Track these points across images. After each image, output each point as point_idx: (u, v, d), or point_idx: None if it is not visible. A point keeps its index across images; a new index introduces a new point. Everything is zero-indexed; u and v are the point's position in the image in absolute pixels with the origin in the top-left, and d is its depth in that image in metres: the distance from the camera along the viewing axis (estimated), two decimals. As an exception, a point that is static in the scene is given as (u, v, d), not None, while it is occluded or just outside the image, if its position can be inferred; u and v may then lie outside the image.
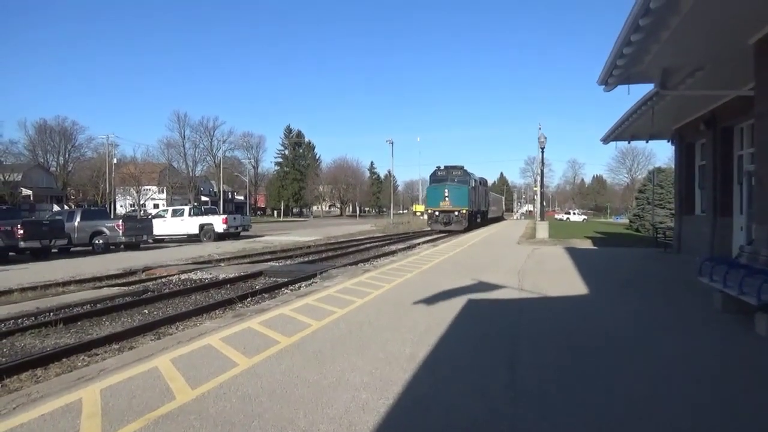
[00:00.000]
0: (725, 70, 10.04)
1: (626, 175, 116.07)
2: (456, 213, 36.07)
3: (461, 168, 38.61)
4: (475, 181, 41.41)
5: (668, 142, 19.40)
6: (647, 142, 20.92)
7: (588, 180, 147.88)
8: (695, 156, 17.01)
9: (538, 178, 35.98)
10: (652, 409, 3.93)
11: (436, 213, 36.74)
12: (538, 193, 39.08)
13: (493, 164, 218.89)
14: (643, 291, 9.98)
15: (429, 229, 38.02)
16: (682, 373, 4.82)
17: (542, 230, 27.59)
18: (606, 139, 18.92)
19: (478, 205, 42.73)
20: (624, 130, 16.45)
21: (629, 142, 21.25)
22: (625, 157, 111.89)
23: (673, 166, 21.77)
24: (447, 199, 36.21)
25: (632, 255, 17.76)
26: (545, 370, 4.85)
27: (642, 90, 11.70)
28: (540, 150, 31.93)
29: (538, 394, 4.22)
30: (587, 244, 23.62)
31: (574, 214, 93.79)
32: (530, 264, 14.27)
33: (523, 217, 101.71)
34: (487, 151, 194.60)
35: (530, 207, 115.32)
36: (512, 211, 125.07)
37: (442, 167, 38.54)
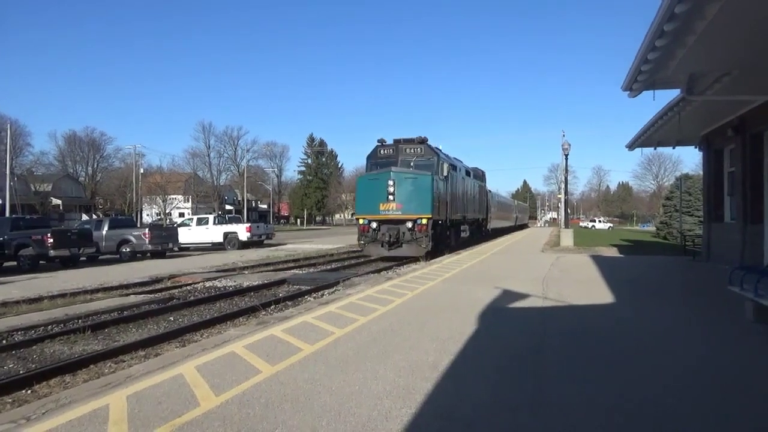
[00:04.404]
0: (753, 75, 9.85)
1: (652, 182, 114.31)
2: (408, 225, 19.43)
3: (422, 143, 21.10)
4: (452, 167, 23.12)
5: (696, 148, 19.04)
6: (674, 148, 20.61)
7: (613, 187, 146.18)
8: (724, 162, 16.67)
9: (562, 186, 35.38)
10: (683, 422, 3.84)
11: (373, 225, 19.85)
12: (562, 200, 38.70)
13: (517, 172, 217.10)
14: (671, 300, 9.78)
15: (360, 252, 21.87)
16: (712, 385, 4.70)
17: (566, 238, 27.27)
18: (631, 146, 18.68)
19: (459, 210, 24.65)
20: (650, 137, 16.22)
21: (655, 149, 20.92)
22: (651, 164, 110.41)
23: (701, 173, 21.37)
24: (392, 198, 19.57)
25: (660, 263, 17.43)
26: (571, 382, 4.77)
27: (668, 96, 11.55)
28: (564, 157, 31.60)
29: (564, 407, 4.15)
30: (613, 252, 23.26)
31: (599, 221, 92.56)
32: (554, 272, 14.10)
33: (546, 225, 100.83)
34: (511, 159, 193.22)
35: (554, 215, 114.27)
36: (536, 219, 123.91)
37: (388, 142, 21.47)
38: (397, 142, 21.20)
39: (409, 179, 19.75)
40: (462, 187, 25.51)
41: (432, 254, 19.76)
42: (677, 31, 7.12)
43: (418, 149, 20.96)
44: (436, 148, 21.87)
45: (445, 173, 21.45)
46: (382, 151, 21.26)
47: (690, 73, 9.73)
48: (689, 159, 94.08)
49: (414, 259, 19.26)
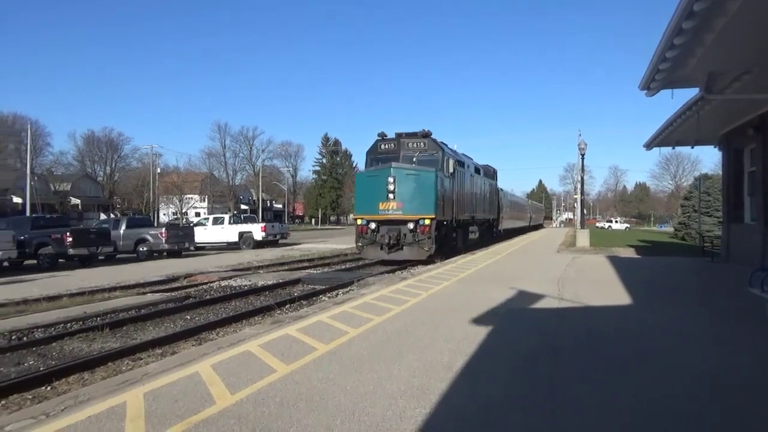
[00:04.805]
0: (775, 74, 9.68)
1: (670, 182, 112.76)
2: (410, 225, 17.97)
3: (425, 137, 19.59)
4: (459, 163, 21.74)
5: (715, 147, 18.79)
6: (692, 147, 20.32)
7: (630, 187, 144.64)
8: (744, 162, 16.41)
9: (578, 186, 35.04)
10: (699, 426, 3.79)
11: (372, 226, 18.38)
12: (578, 200, 38.39)
13: (532, 171, 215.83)
14: (689, 301, 9.66)
15: (359, 255, 20.42)
16: (730, 388, 4.63)
17: (583, 238, 27.04)
18: (649, 145, 18.47)
19: (467, 209, 23.27)
20: (668, 136, 16.02)
21: (673, 148, 20.65)
22: (669, 164, 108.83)
23: (721, 173, 21.06)
24: (392, 196, 18.09)
25: (678, 264, 17.22)
26: (586, 383, 4.73)
27: (686, 94, 11.40)
28: (580, 156, 31.35)
29: (579, 409, 4.12)
30: (630, 253, 23.03)
31: (616, 222, 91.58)
32: (570, 273, 13.99)
33: (562, 225, 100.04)
34: (526, 158, 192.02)
35: (570, 215, 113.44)
36: (551, 219, 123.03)
37: (389, 136, 20.07)
38: (398, 135, 19.64)
39: (411, 176, 18.19)
40: (470, 185, 24.07)
41: (436, 257, 18.27)
42: (696, 29, 7.03)
43: (422, 144, 19.40)
44: (442, 142, 20.24)
45: (450, 170, 19.91)
46: (382, 146, 19.80)
47: (709, 72, 9.59)
48: (708, 159, 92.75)
49: (416, 263, 17.88)
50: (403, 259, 18.09)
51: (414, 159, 19.08)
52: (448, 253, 19.41)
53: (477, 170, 26.26)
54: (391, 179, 17.98)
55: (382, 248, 18.14)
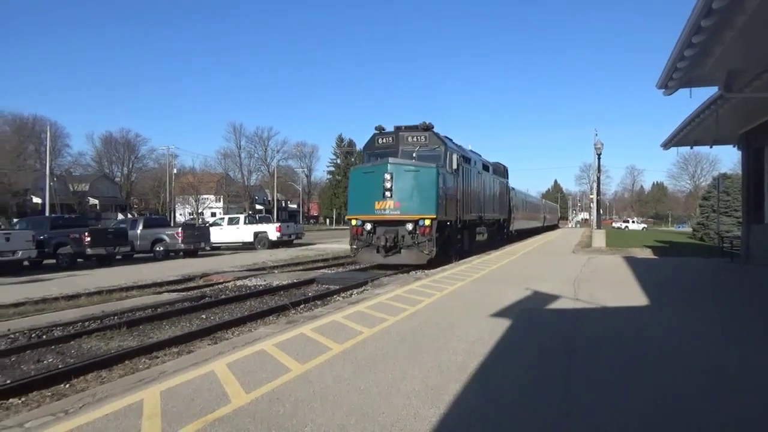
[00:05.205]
0: (796, 71, 9.52)
1: (689, 182, 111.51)
2: (408, 226, 16.37)
3: (426, 130, 17.87)
4: (464, 159, 20.15)
5: (734, 147, 18.52)
6: (711, 147, 20.06)
7: (647, 187, 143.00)
8: (764, 161, 16.15)
9: (594, 186, 34.72)
10: (718, 430, 3.74)
11: (367, 227, 16.81)
12: (594, 200, 38.05)
13: (547, 171, 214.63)
14: (707, 303, 9.53)
15: (353, 259, 18.52)
16: (750, 392, 4.56)
17: (599, 239, 26.81)
18: (667, 145, 18.26)
19: (473, 209, 21.52)
20: (686, 135, 15.83)
21: (692, 148, 20.39)
22: (687, 163, 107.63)
23: (740, 173, 20.76)
24: (389, 195, 16.53)
25: (696, 265, 17.00)
26: (602, 385, 4.68)
27: (705, 93, 11.25)
28: (596, 156, 31.04)
29: (593, 411, 4.08)
30: (647, 254, 22.78)
31: (633, 222, 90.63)
32: (586, 273, 13.88)
33: (578, 226, 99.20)
34: (541, 158, 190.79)
35: (586, 215, 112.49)
36: (567, 220, 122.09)
37: (387, 130, 18.30)
38: (397, 129, 18.00)
39: (409, 172, 16.60)
40: (478, 182, 22.43)
41: (438, 262, 16.57)
42: (715, 26, 6.93)
43: (422, 137, 17.71)
44: (445, 137, 18.73)
45: (454, 165, 18.24)
46: (380, 140, 18.13)
47: (728, 70, 9.46)
48: (727, 158, 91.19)
49: (415, 267, 16.46)
50: (400, 263, 16.65)
51: (414, 154, 17.49)
52: (453, 257, 18.20)
53: (486, 167, 24.84)
54: (387, 176, 16.44)
55: (378, 251, 16.61)
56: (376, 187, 16.54)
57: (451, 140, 19.33)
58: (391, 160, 16.81)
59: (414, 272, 15.68)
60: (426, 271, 15.21)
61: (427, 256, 16.26)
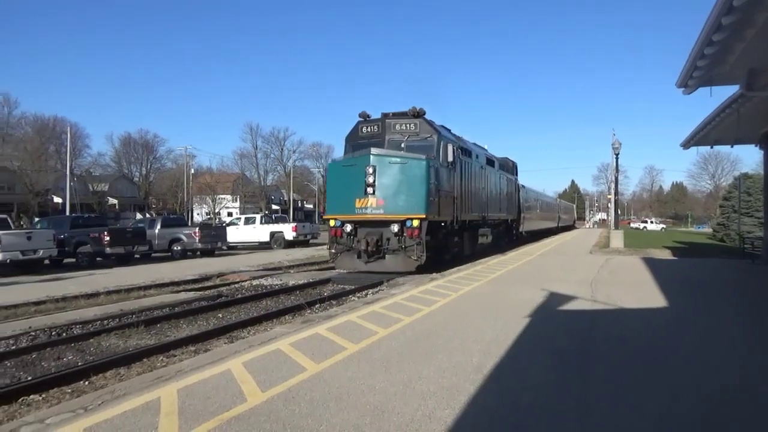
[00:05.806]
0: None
1: (709, 182, 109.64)
2: (394, 228, 14.10)
3: (416, 116, 15.44)
4: (462, 151, 17.71)
5: (756, 146, 18.22)
6: (732, 146, 19.76)
7: (666, 187, 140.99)
8: (787, 161, 15.88)
9: (612, 186, 34.32)
10: None
11: (347, 228, 14.55)
12: (612, 200, 37.66)
13: (565, 171, 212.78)
14: (727, 305, 9.39)
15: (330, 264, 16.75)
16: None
17: (616, 239, 26.53)
18: (686, 144, 18.02)
19: (475, 208, 18.90)
20: (706, 135, 15.60)
21: (712, 147, 20.11)
22: (707, 163, 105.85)
23: (762, 172, 20.41)
24: (371, 191, 14.22)
25: (716, 266, 16.75)
26: (619, 387, 4.64)
27: (726, 91, 11.07)
28: (614, 156, 30.72)
29: (611, 413, 4.04)
30: (666, 255, 22.49)
31: (652, 222, 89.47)
32: (603, 274, 13.74)
33: (595, 226, 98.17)
34: (558, 158, 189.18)
35: (603, 215, 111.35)
36: (584, 220, 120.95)
37: (372, 117, 15.97)
38: (384, 116, 15.62)
39: (395, 165, 14.23)
40: (481, 178, 19.89)
41: (428, 267, 14.42)
42: (736, 24, 6.83)
43: (412, 125, 15.28)
44: (440, 125, 16.32)
45: (450, 158, 15.61)
46: (364, 129, 15.72)
47: (750, 68, 9.31)
48: (749, 158, 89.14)
49: (401, 275, 14.22)
50: (384, 270, 14.35)
51: (402, 144, 15.05)
52: (449, 262, 16.20)
53: (490, 162, 22.10)
54: (370, 169, 14.08)
55: (359, 256, 14.48)
56: (356, 183, 14.30)
57: (447, 129, 17.24)
58: (374, 150, 14.45)
59: (429, 273, 15.50)
60: (441, 272, 14.95)
61: (416, 263, 14.13)
